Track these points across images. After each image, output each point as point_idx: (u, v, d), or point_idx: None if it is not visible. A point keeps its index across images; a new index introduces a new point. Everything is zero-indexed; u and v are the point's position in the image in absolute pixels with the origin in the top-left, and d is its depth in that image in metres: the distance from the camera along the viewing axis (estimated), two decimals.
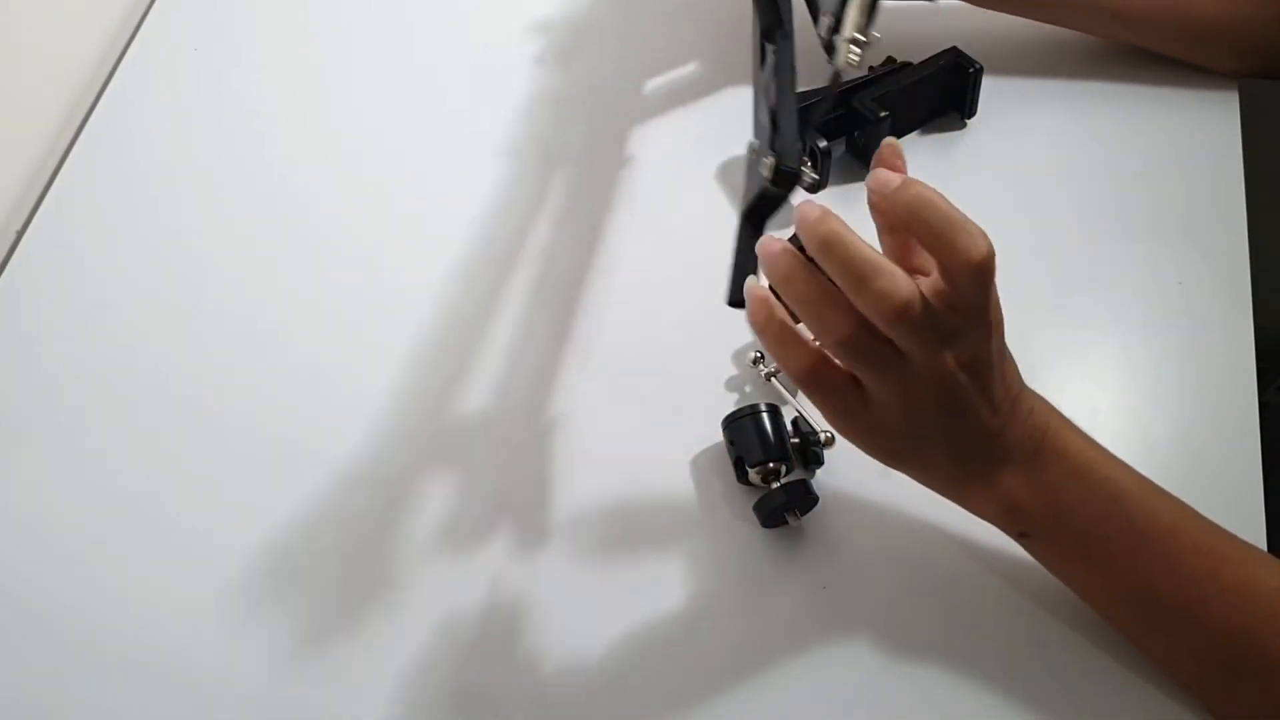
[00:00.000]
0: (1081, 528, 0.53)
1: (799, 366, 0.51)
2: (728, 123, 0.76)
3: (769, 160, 0.54)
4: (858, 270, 0.46)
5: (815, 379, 0.51)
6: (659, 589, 0.60)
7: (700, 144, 0.76)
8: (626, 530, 0.62)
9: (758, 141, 0.59)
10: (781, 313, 0.51)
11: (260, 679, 0.58)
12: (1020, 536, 0.55)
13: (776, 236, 0.50)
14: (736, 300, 0.55)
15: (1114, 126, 0.76)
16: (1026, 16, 0.77)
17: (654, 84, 0.80)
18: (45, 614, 0.60)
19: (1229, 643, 0.52)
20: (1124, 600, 0.54)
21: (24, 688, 0.58)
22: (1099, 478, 0.53)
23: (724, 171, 0.75)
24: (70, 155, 0.78)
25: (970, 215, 0.48)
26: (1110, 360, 0.67)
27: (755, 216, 0.57)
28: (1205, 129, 0.75)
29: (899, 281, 0.46)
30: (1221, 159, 0.73)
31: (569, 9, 0.85)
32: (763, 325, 0.51)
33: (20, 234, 0.75)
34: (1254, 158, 0.74)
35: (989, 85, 0.74)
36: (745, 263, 0.56)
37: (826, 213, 0.47)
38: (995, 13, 0.76)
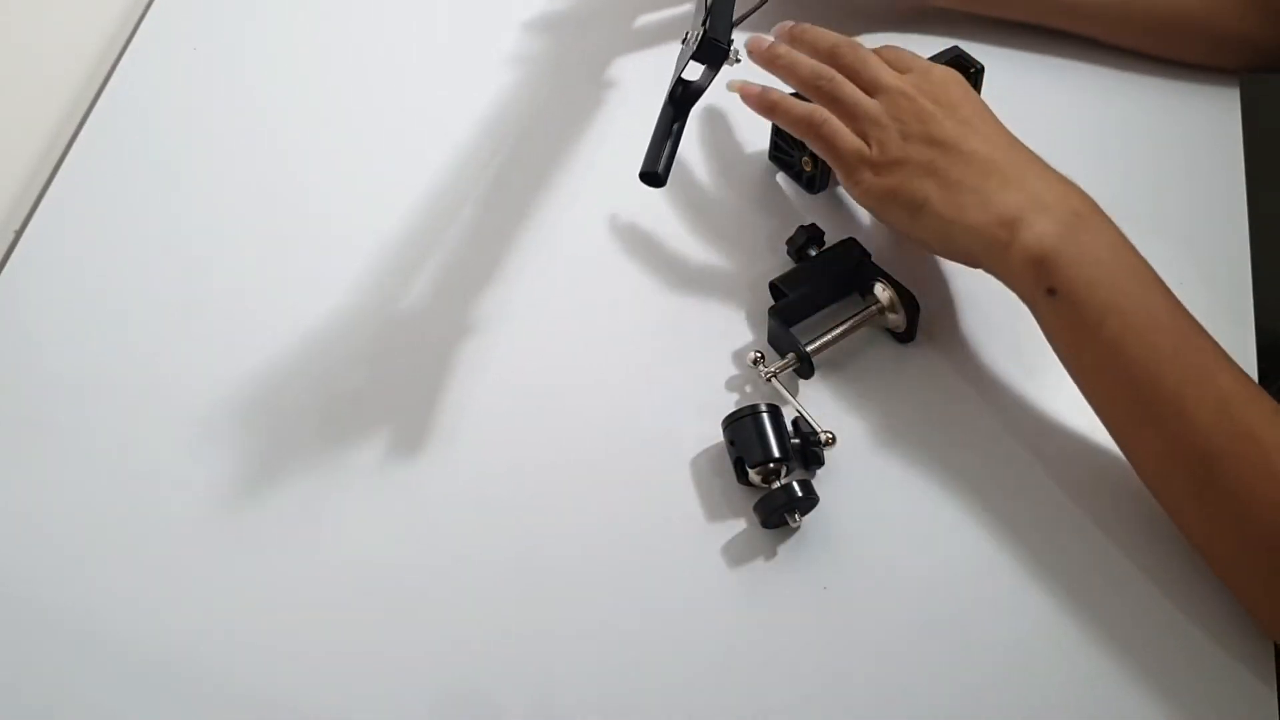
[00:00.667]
0: (1106, 297, 0.55)
1: (803, 110, 0.64)
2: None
3: (697, 33, 0.59)
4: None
5: (821, 121, 0.63)
6: (659, 589, 0.60)
7: (705, 147, 0.76)
8: (627, 530, 0.62)
9: (689, 33, 0.63)
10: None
11: (260, 679, 0.58)
12: (1048, 293, 0.57)
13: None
14: (648, 171, 0.60)
15: (1114, 126, 0.76)
16: (1004, 16, 0.77)
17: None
18: (45, 613, 0.60)
19: (1208, 449, 0.53)
20: (1122, 383, 0.56)
21: (24, 687, 0.58)
22: (1136, 259, 0.57)
23: (732, 175, 0.75)
24: (69, 154, 0.78)
25: None
26: None
27: (681, 101, 0.61)
28: (1206, 129, 0.75)
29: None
30: (1222, 159, 0.73)
31: None
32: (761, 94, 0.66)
33: (19, 233, 0.75)
34: (1255, 157, 0.74)
35: (990, 84, 0.74)
36: (662, 140, 0.61)
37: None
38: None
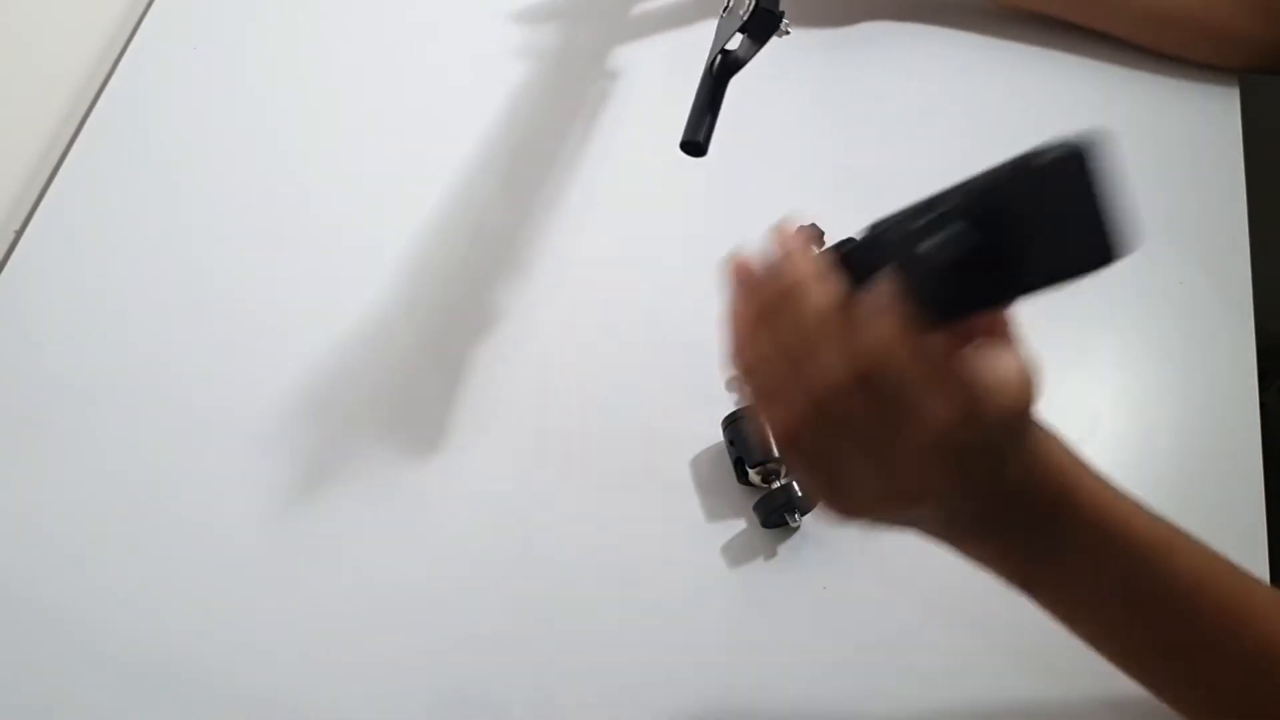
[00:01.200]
0: (1094, 588, 0.49)
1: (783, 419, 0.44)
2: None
3: (747, 2, 0.55)
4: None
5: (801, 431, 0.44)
6: (659, 588, 0.60)
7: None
8: (627, 530, 0.62)
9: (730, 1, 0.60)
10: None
11: (260, 679, 0.58)
12: (1025, 589, 0.49)
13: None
14: (690, 140, 0.57)
15: (1114, 126, 0.76)
16: (1001, 5, 0.76)
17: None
18: (45, 612, 0.60)
19: (1246, 705, 0.48)
20: (1137, 656, 0.50)
21: (24, 687, 0.58)
22: (1117, 538, 0.47)
23: (735, 176, 0.75)
24: (70, 154, 0.78)
25: None
26: (1111, 360, 0.67)
27: (721, 73, 0.58)
28: (1206, 129, 0.75)
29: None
30: (1223, 159, 0.73)
31: None
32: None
33: (19, 233, 0.75)
34: (1255, 157, 0.74)
35: (992, 86, 0.74)
36: (703, 110, 0.58)
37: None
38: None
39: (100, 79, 0.83)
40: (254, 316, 0.70)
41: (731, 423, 0.62)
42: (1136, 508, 0.48)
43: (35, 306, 0.72)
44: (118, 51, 0.84)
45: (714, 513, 0.62)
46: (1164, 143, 0.75)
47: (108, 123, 0.80)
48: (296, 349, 0.69)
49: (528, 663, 0.58)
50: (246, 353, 0.69)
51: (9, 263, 0.73)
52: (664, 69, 0.81)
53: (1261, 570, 0.59)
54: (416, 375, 0.67)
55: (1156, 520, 0.48)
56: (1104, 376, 0.66)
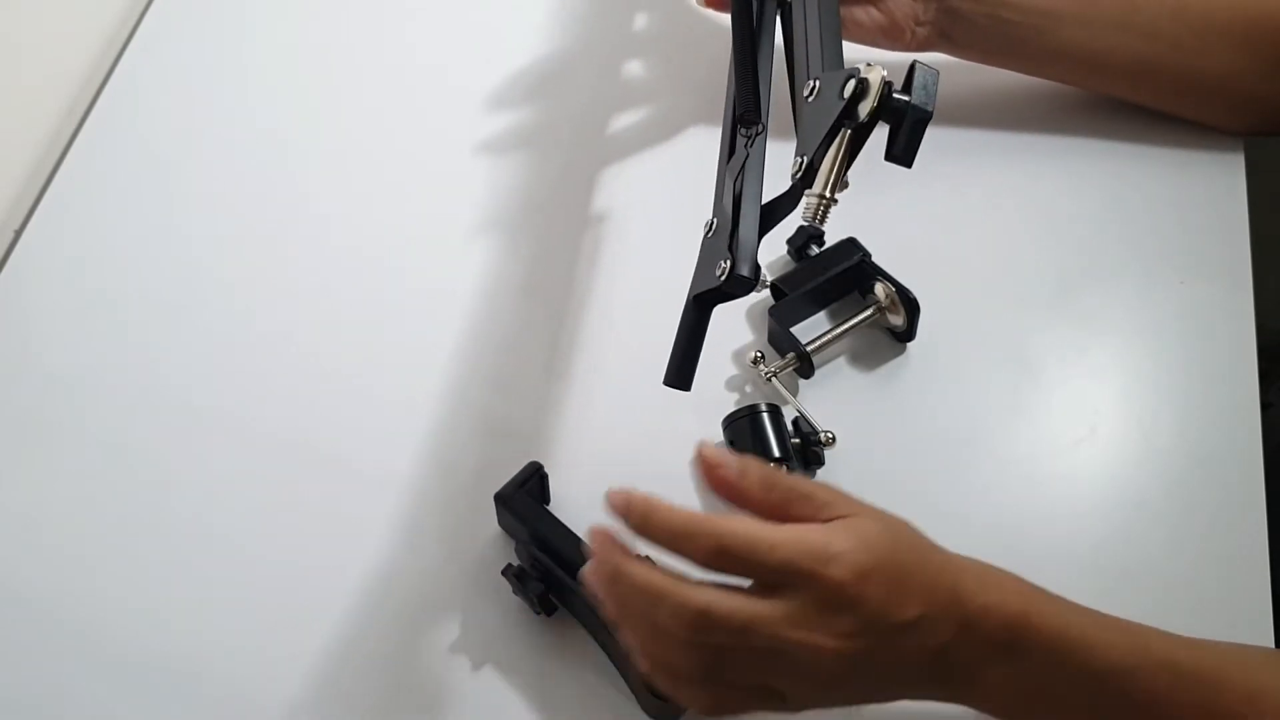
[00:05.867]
0: (1065, 711, 0.49)
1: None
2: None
3: (724, 264, 0.51)
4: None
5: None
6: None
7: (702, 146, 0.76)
8: (626, 532, 0.62)
9: (715, 221, 0.55)
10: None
11: (260, 678, 0.58)
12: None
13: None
14: (672, 379, 0.53)
15: (1114, 125, 0.76)
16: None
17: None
18: (45, 612, 0.60)
19: None
20: None
21: (24, 687, 0.58)
22: (1080, 662, 0.47)
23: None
24: (69, 154, 0.78)
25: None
26: (1111, 360, 0.67)
27: (703, 304, 0.54)
28: (1207, 128, 0.75)
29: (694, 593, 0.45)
30: (1224, 157, 0.73)
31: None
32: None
33: (19, 233, 0.75)
34: (1257, 155, 0.74)
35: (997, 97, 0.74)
36: (688, 344, 0.54)
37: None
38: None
39: (100, 79, 0.83)
40: (253, 316, 0.70)
41: (731, 423, 0.62)
42: (1102, 626, 0.49)
43: (35, 306, 0.72)
44: (117, 51, 0.84)
45: (714, 512, 0.62)
46: (1166, 142, 0.75)
47: (107, 122, 0.80)
48: (297, 347, 0.69)
49: (529, 663, 0.58)
50: (246, 352, 0.69)
51: (8, 262, 0.73)
52: (664, 65, 0.81)
53: (1262, 570, 0.59)
54: (415, 373, 0.67)
55: (1126, 636, 0.49)
56: (1104, 376, 0.66)
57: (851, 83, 0.49)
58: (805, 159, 0.51)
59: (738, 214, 0.53)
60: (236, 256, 0.73)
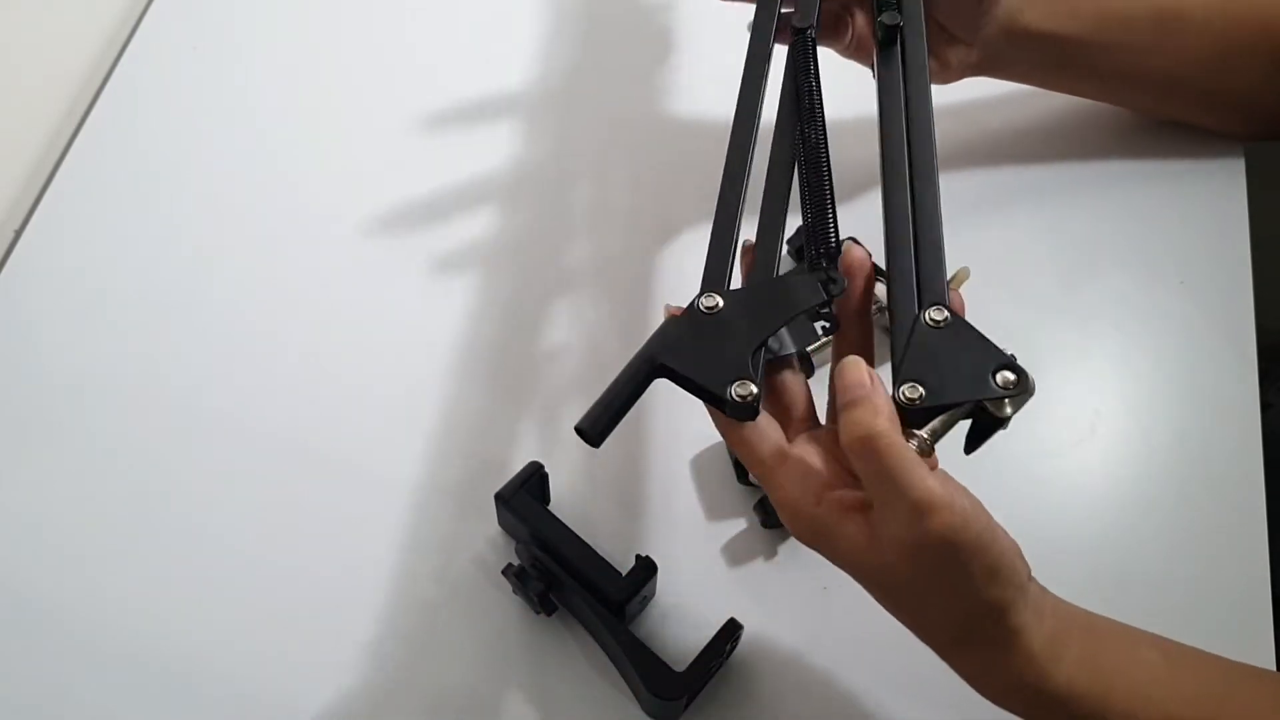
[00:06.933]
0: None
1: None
2: None
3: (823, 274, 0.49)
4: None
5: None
6: (659, 588, 0.60)
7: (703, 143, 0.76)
8: (627, 531, 0.62)
9: (723, 303, 0.52)
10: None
11: (260, 678, 0.58)
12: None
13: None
14: (586, 426, 0.49)
15: (1115, 127, 0.76)
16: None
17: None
18: (45, 612, 0.60)
19: None
20: None
21: (24, 687, 0.58)
22: (1122, 676, 0.48)
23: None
24: (69, 154, 0.78)
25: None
26: (1111, 360, 0.67)
27: (650, 376, 0.50)
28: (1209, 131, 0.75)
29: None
30: (1224, 158, 0.73)
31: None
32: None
33: (19, 233, 0.75)
34: (1257, 155, 0.74)
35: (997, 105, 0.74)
36: (623, 402, 0.50)
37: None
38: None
39: (99, 78, 0.83)
40: (253, 316, 0.70)
41: None
42: (1145, 645, 0.49)
43: (34, 306, 0.72)
44: (117, 51, 0.84)
45: (714, 512, 0.62)
46: (1166, 141, 0.75)
47: (107, 123, 0.80)
48: (296, 348, 0.69)
49: (529, 660, 0.58)
50: (245, 352, 0.69)
51: (9, 263, 0.73)
52: (662, 62, 0.81)
53: (1262, 570, 0.59)
54: (416, 374, 0.67)
55: (1164, 660, 0.49)
56: (1104, 376, 0.66)
57: (1008, 375, 0.48)
58: (906, 390, 0.48)
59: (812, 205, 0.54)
60: (236, 256, 0.73)
